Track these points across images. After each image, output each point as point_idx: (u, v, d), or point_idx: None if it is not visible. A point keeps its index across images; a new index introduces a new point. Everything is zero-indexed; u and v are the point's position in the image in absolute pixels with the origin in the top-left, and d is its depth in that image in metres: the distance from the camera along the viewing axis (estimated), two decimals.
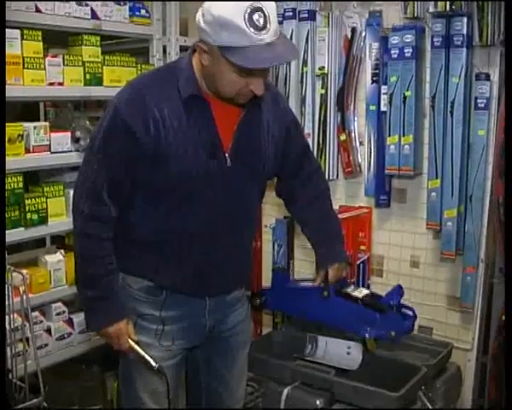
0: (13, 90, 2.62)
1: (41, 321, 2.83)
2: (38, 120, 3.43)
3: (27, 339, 2.67)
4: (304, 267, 3.45)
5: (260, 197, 2.28)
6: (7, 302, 2.54)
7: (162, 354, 2.12)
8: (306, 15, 3.15)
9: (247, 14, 1.78)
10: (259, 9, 1.80)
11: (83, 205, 2.00)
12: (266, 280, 3.60)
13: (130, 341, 2.08)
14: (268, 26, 1.81)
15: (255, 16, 1.79)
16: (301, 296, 2.63)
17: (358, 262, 3.22)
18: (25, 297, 2.52)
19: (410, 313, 2.52)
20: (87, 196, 2.00)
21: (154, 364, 2.05)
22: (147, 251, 2.10)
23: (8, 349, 2.52)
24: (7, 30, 2.58)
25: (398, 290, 2.58)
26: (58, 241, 3.25)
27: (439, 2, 2.79)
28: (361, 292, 2.57)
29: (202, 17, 1.85)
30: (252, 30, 1.79)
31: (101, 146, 1.97)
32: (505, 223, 2.39)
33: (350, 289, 2.58)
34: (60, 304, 2.92)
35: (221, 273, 2.15)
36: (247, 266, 2.32)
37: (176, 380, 2.23)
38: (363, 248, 3.23)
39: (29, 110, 3.44)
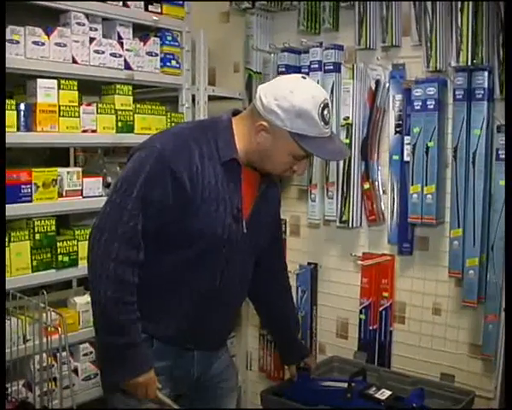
0: (49, 137, 2.71)
1: (69, 361, 2.87)
2: (68, 164, 3.49)
3: (54, 379, 2.72)
4: (327, 313, 3.50)
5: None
6: (37, 342, 2.60)
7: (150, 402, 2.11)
8: (332, 68, 3.22)
9: (320, 109, 1.96)
10: (328, 106, 1.99)
11: (117, 250, 1.94)
12: None
13: (156, 390, 2.07)
14: (330, 121, 2.00)
15: (325, 111, 1.98)
16: (323, 397, 2.70)
17: (381, 309, 3.25)
18: (63, 336, 2.56)
19: None
20: (122, 241, 1.95)
21: None
22: (147, 296, 2.07)
23: (38, 387, 2.59)
24: (45, 80, 2.69)
25: (420, 393, 2.64)
26: (84, 283, 3.29)
27: (461, 57, 2.85)
28: (383, 394, 2.63)
29: (276, 101, 1.96)
30: (322, 123, 1.97)
31: (141, 191, 1.96)
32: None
33: (372, 391, 2.64)
34: (87, 345, 2.96)
35: (214, 331, 2.22)
36: (233, 325, 2.42)
37: None
38: (385, 295, 3.25)
39: (58, 155, 3.51)
